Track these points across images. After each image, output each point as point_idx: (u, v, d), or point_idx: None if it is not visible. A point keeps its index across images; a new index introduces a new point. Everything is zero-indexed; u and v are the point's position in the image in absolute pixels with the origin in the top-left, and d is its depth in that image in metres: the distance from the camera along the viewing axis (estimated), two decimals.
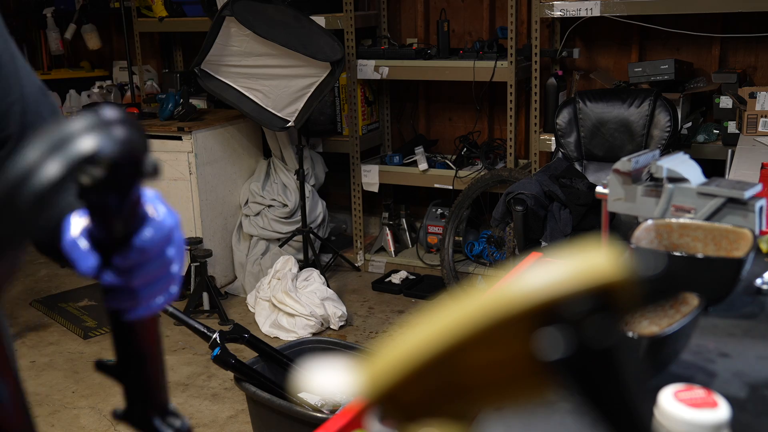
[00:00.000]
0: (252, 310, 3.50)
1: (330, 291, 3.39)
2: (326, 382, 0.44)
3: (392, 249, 3.97)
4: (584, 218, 2.86)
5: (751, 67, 3.34)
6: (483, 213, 3.84)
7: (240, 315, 3.52)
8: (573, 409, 0.32)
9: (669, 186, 1.13)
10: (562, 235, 2.83)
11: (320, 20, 3.56)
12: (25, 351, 3.17)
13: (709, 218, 1.10)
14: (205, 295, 3.43)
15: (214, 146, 3.68)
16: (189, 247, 3.44)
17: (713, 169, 2.75)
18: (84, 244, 0.58)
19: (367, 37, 3.89)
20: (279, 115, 3.51)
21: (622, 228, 1.23)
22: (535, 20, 3.27)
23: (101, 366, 0.64)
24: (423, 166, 3.59)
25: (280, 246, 3.78)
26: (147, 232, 0.56)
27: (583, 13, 3.17)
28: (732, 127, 3.06)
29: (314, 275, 3.44)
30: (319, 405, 2.00)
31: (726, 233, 1.01)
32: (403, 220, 4.06)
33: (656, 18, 3.27)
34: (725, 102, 3.10)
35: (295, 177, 3.73)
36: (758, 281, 1.07)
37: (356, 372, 0.34)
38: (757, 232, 1.08)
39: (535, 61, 3.34)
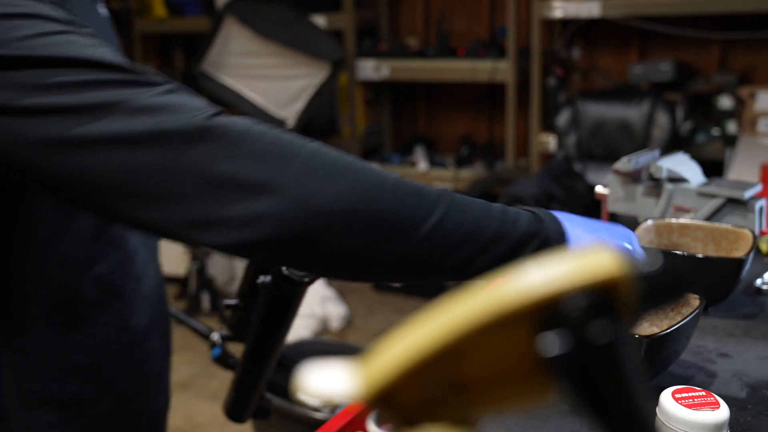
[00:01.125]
0: None
1: (330, 291, 3.39)
2: (326, 382, 0.44)
3: None
4: None
5: (751, 67, 3.34)
6: None
7: None
8: (573, 409, 0.32)
9: (669, 186, 1.13)
10: None
11: (320, 20, 3.56)
12: None
13: (709, 218, 1.10)
14: (205, 295, 3.43)
15: None
16: (189, 248, 3.44)
17: (713, 169, 2.75)
18: None
19: (367, 37, 3.89)
20: (279, 115, 3.51)
21: None
22: (535, 20, 3.27)
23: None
24: (423, 166, 3.58)
25: None
26: None
27: (583, 14, 3.17)
28: (732, 127, 3.06)
29: None
30: (319, 405, 2.00)
31: (726, 233, 1.01)
32: None
33: (656, 18, 3.27)
34: (725, 102, 3.10)
35: None
36: (758, 281, 1.07)
37: (355, 373, 0.34)
38: (757, 232, 1.08)
39: (535, 62, 3.34)
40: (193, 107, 0.58)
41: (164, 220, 0.57)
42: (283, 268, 0.88)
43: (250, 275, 0.97)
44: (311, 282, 0.90)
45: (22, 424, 0.78)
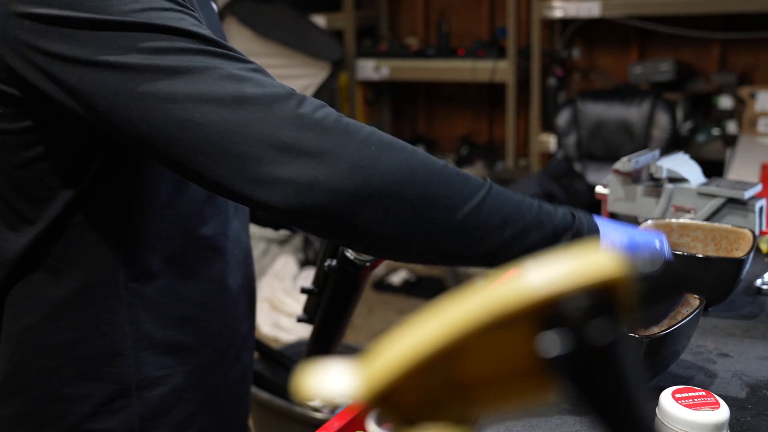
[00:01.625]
0: None
1: None
2: (326, 382, 0.44)
3: None
4: None
5: (751, 67, 3.34)
6: None
7: None
8: (573, 409, 0.32)
9: (669, 186, 1.13)
10: None
11: (320, 20, 3.56)
12: None
13: (709, 218, 1.10)
14: None
15: None
16: None
17: (713, 169, 2.75)
18: None
19: (367, 37, 3.89)
20: None
21: None
22: (535, 20, 3.27)
23: None
24: None
25: (280, 246, 3.78)
26: None
27: (583, 14, 3.17)
28: (732, 127, 3.06)
29: None
30: (319, 405, 2.00)
31: (726, 233, 1.01)
32: None
33: (656, 18, 3.27)
34: (725, 102, 3.10)
35: None
36: (758, 281, 1.07)
37: (355, 373, 0.34)
38: (757, 232, 1.08)
39: (535, 62, 3.34)
40: (275, 84, 0.67)
41: (232, 177, 0.65)
42: (348, 253, 0.94)
43: (324, 261, 1.03)
44: (373, 267, 0.94)
45: (135, 363, 0.86)
